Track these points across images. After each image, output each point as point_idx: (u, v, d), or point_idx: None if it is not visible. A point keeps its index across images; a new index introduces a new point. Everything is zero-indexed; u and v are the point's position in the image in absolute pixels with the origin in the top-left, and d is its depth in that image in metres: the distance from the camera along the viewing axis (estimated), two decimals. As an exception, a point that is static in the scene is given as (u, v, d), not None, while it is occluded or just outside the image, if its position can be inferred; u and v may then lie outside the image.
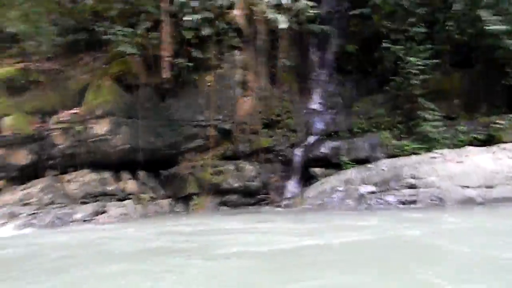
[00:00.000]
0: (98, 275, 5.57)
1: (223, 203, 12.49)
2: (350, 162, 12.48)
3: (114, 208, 11.16)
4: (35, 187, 11.58)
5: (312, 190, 12.05)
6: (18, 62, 12.91)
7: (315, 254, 6.03)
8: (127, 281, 5.16)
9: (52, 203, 11.21)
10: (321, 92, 14.87)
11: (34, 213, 10.85)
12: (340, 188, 11.61)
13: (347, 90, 14.81)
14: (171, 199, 12.41)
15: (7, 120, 11.95)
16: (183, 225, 9.89)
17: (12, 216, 10.80)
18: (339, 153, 12.76)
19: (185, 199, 12.42)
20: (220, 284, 4.76)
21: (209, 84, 12.58)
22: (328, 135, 13.74)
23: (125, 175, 12.29)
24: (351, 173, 11.99)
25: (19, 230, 9.96)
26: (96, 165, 11.93)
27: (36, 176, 11.86)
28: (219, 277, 5.10)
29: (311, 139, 13.73)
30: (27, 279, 5.52)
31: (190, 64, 12.20)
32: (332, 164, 12.67)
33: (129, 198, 11.77)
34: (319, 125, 14.05)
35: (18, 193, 11.61)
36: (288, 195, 12.73)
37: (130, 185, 12.11)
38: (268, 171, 13.02)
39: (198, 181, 12.45)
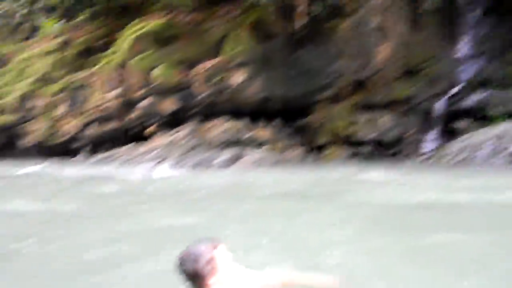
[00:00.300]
0: (237, 211, 5.99)
1: (355, 154, 12.26)
2: (502, 116, 11.16)
3: (250, 155, 11.74)
4: (180, 133, 12.69)
5: (455, 145, 11.14)
6: (163, 16, 13.87)
7: (468, 212, 5.56)
8: (262, 219, 5.45)
9: (195, 148, 12.20)
10: (469, 36, 13.32)
11: (179, 157, 11.96)
12: (489, 144, 10.52)
13: (501, 35, 13.01)
14: (304, 147, 12.57)
15: (156, 71, 13.08)
16: (314, 173, 10.02)
17: (162, 157, 12.06)
18: (489, 105, 11.50)
19: (318, 149, 12.48)
20: (344, 230, 4.72)
21: (344, 31, 12.12)
22: (476, 85, 12.38)
23: (260, 123, 12.73)
24: (504, 127, 10.75)
25: (168, 172, 11.06)
26: (234, 113, 12.55)
27: (182, 123, 12.93)
28: (344, 224, 5.06)
29: (456, 89, 12.52)
30: (178, 211, 6.16)
31: (325, 11, 11.84)
32: (480, 117, 11.48)
33: (264, 146, 12.21)
34: (466, 74, 12.71)
35: (166, 138, 12.85)
36: (427, 149, 11.97)
37: (265, 133, 12.54)
38: (405, 123, 12.34)
39: (330, 131, 12.36)
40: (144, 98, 13.39)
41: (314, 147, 12.52)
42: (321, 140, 12.43)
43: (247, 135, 12.36)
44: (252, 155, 11.81)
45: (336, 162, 11.83)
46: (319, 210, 5.97)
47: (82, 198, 7.65)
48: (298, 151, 12.47)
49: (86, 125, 14.46)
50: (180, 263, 2.43)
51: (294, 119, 12.86)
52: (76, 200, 7.37)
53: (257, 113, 12.56)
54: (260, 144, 12.28)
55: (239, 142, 12.25)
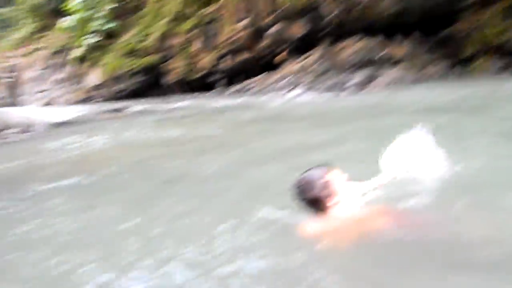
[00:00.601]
0: (372, 129, 6.09)
1: (510, 65, 11.12)
2: None
3: (385, 74, 11.45)
4: (311, 58, 12.81)
5: None
6: None
7: None
8: (398, 134, 5.47)
9: (327, 71, 12.26)
10: None
11: (312, 82, 12.18)
12: None
13: None
14: (446, 62, 11.78)
15: (284, -6, 13.13)
16: (460, 88, 9.46)
17: (294, 84, 12.43)
18: None
19: (463, 62, 11.59)
20: (490, 143, 4.52)
21: None
22: None
23: (396, 39, 12.18)
24: None
25: (301, 97, 11.43)
26: (366, 31, 12.16)
27: (312, 47, 12.99)
28: (491, 136, 4.82)
29: None
30: (313, 132, 6.52)
31: None
32: None
33: (401, 63, 11.76)
34: None
35: (297, 64, 13.10)
36: None
37: (402, 49, 12.01)
38: None
39: (479, 40, 11.32)
40: (272, 25, 13.64)
41: (459, 60, 11.63)
42: (468, 51, 11.45)
43: (381, 54, 11.96)
44: (388, 74, 11.49)
45: (486, 75, 10.92)
46: (464, 124, 5.77)
47: (223, 125, 8.61)
48: (441, 66, 11.72)
49: (220, 58, 15.35)
50: (296, 190, 2.66)
51: (434, 31, 11.99)
52: (218, 127, 8.35)
53: (392, 28, 11.96)
54: (396, 62, 11.82)
55: (374, 61, 11.93)
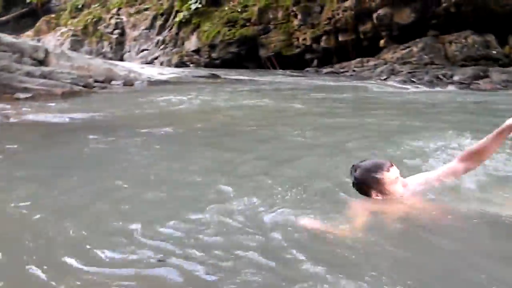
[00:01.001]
0: (464, 123, 5.87)
1: None
2: None
3: (496, 74, 10.88)
4: (415, 47, 12.49)
5: None
6: None
7: None
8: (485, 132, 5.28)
9: (431, 63, 11.91)
10: None
11: (412, 72, 11.91)
12: None
13: None
14: None
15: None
16: None
17: (392, 72, 12.24)
18: None
19: None
20: None
21: None
22: None
23: (509, 39, 11.55)
24: None
25: (398, 86, 11.25)
26: (480, 26, 11.63)
27: (417, 36, 12.66)
28: None
29: None
30: (401, 118, 6.51)
31: None
32: None
33: (513, 65, 11.16)
34: None
35: (399, 51, 12.85)
36: None
37: (516, 50, 11.38)
38: None
39: None
40: (378, 8, 13.42)
41: None
42: None
43: (494, 52, 11.40)
44: (497, 75, 10.92)
45: None
46: None
47: (308, 101, 8.91)
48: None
49: (319, 37, 15.42)
50: (353, 173, 2.72)
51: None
52: (303, 103, 8.62)
53: (504, 27, 11.31)
54: (509, 63, 11.23)
55: (485, 59, 11.43)
